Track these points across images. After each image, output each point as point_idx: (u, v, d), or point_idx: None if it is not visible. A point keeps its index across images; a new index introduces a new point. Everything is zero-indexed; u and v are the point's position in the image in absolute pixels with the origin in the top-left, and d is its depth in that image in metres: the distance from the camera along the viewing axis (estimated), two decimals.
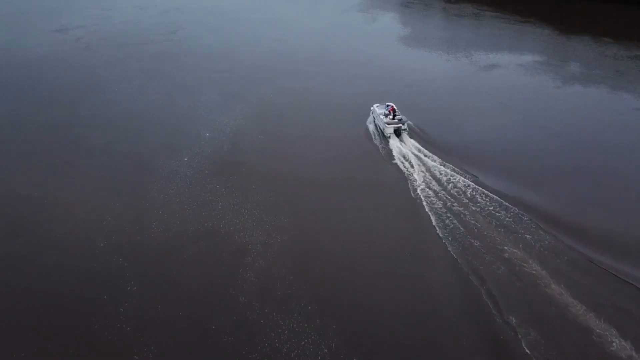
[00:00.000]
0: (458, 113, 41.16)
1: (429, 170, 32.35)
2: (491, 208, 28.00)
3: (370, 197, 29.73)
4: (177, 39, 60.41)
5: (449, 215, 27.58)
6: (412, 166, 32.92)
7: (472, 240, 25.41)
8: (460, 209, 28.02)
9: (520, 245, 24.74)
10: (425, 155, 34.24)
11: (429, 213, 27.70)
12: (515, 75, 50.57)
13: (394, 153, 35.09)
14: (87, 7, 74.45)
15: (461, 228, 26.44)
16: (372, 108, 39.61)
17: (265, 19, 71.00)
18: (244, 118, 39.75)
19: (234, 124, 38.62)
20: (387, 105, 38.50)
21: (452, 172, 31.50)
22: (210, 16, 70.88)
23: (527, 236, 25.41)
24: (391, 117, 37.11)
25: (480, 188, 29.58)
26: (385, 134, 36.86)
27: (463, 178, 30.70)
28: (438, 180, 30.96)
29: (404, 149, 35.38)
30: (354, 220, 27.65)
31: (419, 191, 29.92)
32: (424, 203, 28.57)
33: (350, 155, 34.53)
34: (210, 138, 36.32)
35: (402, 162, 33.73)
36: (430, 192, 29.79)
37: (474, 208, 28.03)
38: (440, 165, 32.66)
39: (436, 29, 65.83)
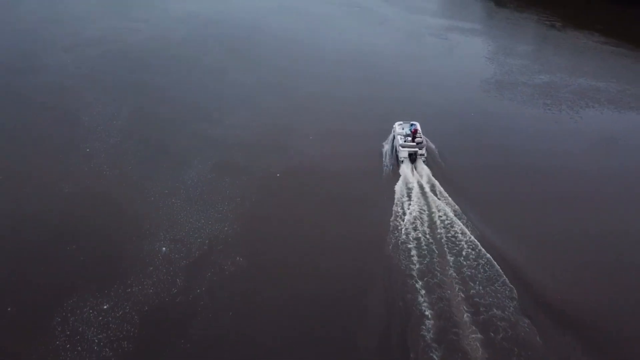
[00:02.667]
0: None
1: (429, 210, 27.54)
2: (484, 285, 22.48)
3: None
4: (198, 68, 49.42)
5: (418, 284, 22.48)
6: (409, 202, 28.26)
7: None
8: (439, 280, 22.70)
9: None
10: (432, 189, 29.44)
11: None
12: None
13: (398, 182, 30.49)
14: (121, 15, 65.82)
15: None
16: (394, 126, 35.65)
17: (316, 43, 58.20)
18: (227, 220, 27.59)
19: (209, 232, 26.58)
20: (412, 125, 34.58)
21: (456, 221, 26.44)
22: (254, 36, 59.24)
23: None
24: (410, 139, 33.01)
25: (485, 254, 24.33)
26: (399, 158, 32.86)
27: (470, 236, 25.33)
28: (432, 228, 26.08)
29: (412, 179, 30.73)
30: None
31: (400, 240, 25.26)
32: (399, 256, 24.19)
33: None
34: (164, 260, 24.54)
35: (401, 197, 28.90)
36: (412, 249, 24.66)
37: (458, 280, 22.81)
38: (447, 207, 27.73)
39: (530, 70, 49.65)
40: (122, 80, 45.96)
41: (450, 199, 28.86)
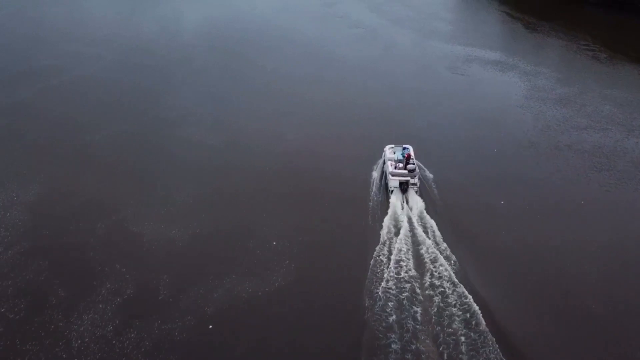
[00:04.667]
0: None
1: (417, 258, 23.64)
2: None
3: None
4: (150, 116, 39.02)
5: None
6: (396, 245, 24.39)
7: None
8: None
9: None
10: (424, 228, 25.74)
11: None
12: None
13: (386, 218, 26.74)
14: (89, 36, 55.34)
15: None
16: (384, 149, 31.87)
17: (304, 84, 47.19)
18: None
19: None
20: (405, 149, 31.09)
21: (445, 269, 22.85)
22: (230, 73, 48.57)
23: None
24: (402, 165, 29.36)
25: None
26: (388, 187, 29.11)
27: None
28: (419, 273, 22.67)
29: (401, 214, 26.88)
30: None
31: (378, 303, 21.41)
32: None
33: None
34: None
35: (387, 238, 25.14)
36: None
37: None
38: (436, 250, 24.10)
39: (574, 125, 38.29)
40: (43, 139, 35.61)
41: (444, 243, 25.09)
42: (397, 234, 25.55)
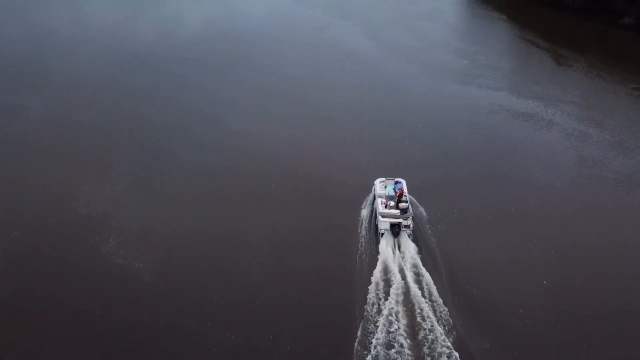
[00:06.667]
0: None
1: (409, 320, 21.24)
2: None
3: None
4: (69, 211, 28.80)
5: None
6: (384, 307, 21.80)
7: None
8: None
9: None
10: (418, 284, 23.06)
11: None
12: None
13: (376, 269, 23.92)
14: (22, 84, 45.03)
15: None
16: (375, 183, 28.42)
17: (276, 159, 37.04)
18: None
19: None
20: (397, 183, 27.38)
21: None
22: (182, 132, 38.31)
23: None
24: (393, 203, 25.95)
25: None
26: (378, 229, 25.89)
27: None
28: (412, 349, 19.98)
29: (393, 264, 23.97)
30: None
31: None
32: None
33: None
34: None
35: (375, 296, 22.54)
36: None
37: None
38: (433, 315, 21.53)
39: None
40: None
41: (443, 306, 22.06)
42: (387, 292, 22.78)
